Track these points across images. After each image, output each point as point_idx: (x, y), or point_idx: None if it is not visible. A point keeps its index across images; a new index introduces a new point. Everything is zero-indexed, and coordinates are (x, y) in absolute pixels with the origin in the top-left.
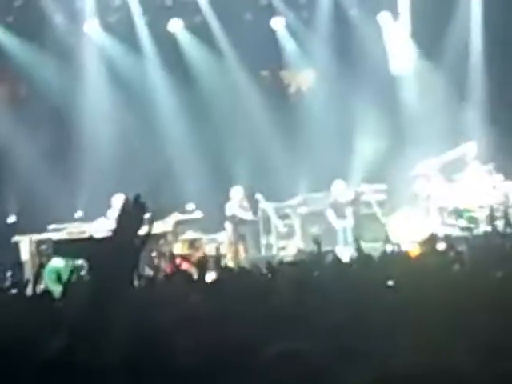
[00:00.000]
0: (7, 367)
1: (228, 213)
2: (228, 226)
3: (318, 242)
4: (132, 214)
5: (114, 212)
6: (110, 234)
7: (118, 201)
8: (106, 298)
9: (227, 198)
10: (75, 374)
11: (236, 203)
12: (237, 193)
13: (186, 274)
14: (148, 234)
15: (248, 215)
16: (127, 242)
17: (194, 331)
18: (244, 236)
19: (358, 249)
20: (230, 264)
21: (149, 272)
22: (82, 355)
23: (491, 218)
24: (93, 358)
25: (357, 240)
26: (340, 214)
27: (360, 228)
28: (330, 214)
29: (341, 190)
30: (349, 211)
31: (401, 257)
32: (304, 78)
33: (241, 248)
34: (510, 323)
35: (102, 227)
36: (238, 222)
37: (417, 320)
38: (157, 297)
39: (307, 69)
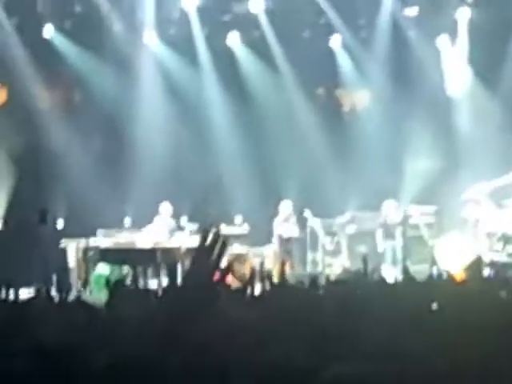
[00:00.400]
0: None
1: (275, 228)
2: (275, 240)
3: (365, 261)
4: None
5: (160, 219)
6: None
7: (165, 208)
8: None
9: (276, 212)
10: None
11: (284, 218)
12: (286, 207)
13: (231, 288)
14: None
15: (294, 232)
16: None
17: (241, 349)
18: (290, 252)
19: (405, 270)
20: (275, 279)
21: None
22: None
23: None
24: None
25: (404, 261)
26: (389, 234)
27: (406, 250)
28: (379, 234)
29: (391, 210)
30: (398, 231)
31: (445, 281)
32: (359, 97)
33: (286, 263)
34: None
35: (148, 237)
36: (284, 240)
37: (457, 345)
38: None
39: (363, 89)
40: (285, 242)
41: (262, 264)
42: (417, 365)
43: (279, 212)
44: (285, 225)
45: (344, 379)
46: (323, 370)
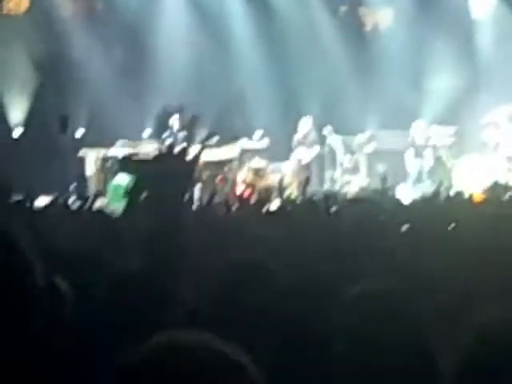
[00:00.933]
0: (80, 274)
1: (294, 146)
2: (293, 160)
3: (384, 180)
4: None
5: (170, 133)
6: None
7: (175, 121)
8: (166, 223)
9: (295, 128)
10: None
11: (303, 135)
12: (305, 124)
13: (250, 203)
14: (200, 152)
15: (312, 154)
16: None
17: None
18: (307, 173)
19: (436, 191)
20: (293, 195)
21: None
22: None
23: None
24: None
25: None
26: (418, 154)
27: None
28: (409, 153)
29: (420, 130)
30: (427, 152)
31: (464, 202)
32: (382, 16)
33: (304, 180)
34: None
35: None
36: (302, 164)
37: (474, 264)
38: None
39: (386, 7)
40: (302, 166)
41: (281, 180)
42: (436, 283)
43: (298, 129)
44: (303, 148)
45: (370, 295)
46: (348, 286)
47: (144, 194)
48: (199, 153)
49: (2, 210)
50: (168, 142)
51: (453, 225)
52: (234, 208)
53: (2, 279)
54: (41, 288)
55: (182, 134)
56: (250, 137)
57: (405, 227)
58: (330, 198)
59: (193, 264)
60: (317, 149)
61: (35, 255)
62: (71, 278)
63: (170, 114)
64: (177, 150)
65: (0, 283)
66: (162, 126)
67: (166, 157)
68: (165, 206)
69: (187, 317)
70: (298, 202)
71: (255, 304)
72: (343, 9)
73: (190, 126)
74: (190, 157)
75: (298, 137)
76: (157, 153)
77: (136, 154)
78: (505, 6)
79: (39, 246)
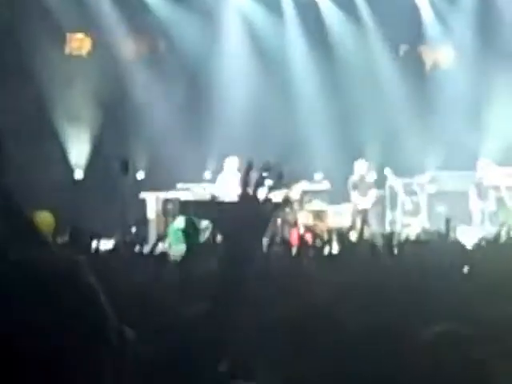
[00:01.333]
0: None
1: (349, 189)
2: (352, 198)
3: (448, 223)
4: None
5: (224, 176)
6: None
7: (229, 164)
8: (240, 262)
9: (352, 171)
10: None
11: (359, 178)
12: (361, 166)
13: (310, 246)
14: (283, 201)
15: (369, 201)
16: (255, 208)
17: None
18: (366, 217)
19: (498, 235)
20: (353, 238)
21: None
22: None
23: None
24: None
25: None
26: (482, 195)
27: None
28: (472, 193)
29: (485, 170)
30: (492, 193)
31: None
32: (443, 54)
33: (362, 223)
34: None
35: (229, 189)
36: (358, 210)
37: None
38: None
39: (447, 45)
40: (361, 209)
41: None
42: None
43: (354, 171)
44: (359, 190)
45: (445, 338)
46: (422, 330)
47: (205, 237)
48: (283, 201)
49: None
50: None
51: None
52: (294, 251)
53: (81, 330)
54: (112, 337)
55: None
56: (310, 179)
57: (465, 269)
58: (392, 239)
59: (256, 313)
60: (373, 192)
61: (107, 303)
62: (134, 325)
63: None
64: (261, 193)
65: (78, 335)
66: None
67: (250, 199)
68: (243, 252)
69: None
70: (358, 244)
71: (326, 355)
72: (404, 48)
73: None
74: (270, 201)
75: (354, 179)
76: (241, 194)
77: (197, 195)
78: None
79: (106, 292)
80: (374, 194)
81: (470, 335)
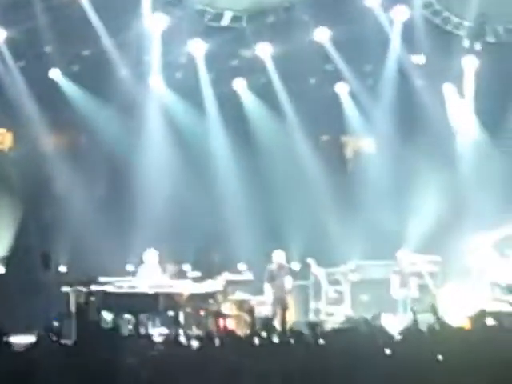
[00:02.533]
0: None
1: (266, 279)
2: (268, 290)
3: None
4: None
5: (145, 268)
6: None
7: (149, 256)
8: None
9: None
10: None
11: (277, 267)
12: (278, 256)
13: (235, 336)
14: None
15: (285, 288)
16: None
17: None
18: (285, 304)
19: (415, 321)
20: (277, 327)
21: (196, 331)
22: None
23: None
24: None
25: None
26: (403, 283)
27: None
28: (394, 282)
29: (406, 259)
30: (412, 281)
31: (450, 331)
32: (364, 144)
33: (287, 312)
34: None
35: (150, 282)
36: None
37: None
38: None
39: (368, 136)
40: (282, 298)
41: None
42: None
43: (273, 261)
44: (278, 280)
45: None
46: None
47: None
48: None
49: None
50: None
51: (440, 357)
52: (217, 341)
53: None
54: None
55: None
56: (233, 270)
57: (388, 351)
58: (317, 328)
59: None
60: (290, 281)
61: None
62: None
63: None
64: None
65: None
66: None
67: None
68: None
69: None
70: (282, 334)
71: None
72: (325, 138)
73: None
74: None
75: (272, 268)
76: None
77: (120, 289)
78: (485, 134)
79: None
80: (290, 283)
81: None
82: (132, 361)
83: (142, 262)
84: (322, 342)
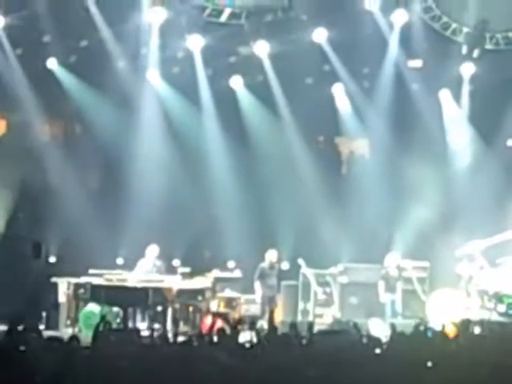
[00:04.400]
0: None
1: (257, 278)
2: (257, 286)
3: (356, 327)
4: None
5: (145, 261)
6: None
7: (151, 251)
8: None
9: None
10: None
11: (269, 265)
12: (271, 255)
13: (221, 334)
14: None
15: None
16: None
17: None
18: (274, 304)
19: (393, 328)
20: (265, 326)
21: (184, 327)
22: None
23: None
24: None
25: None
26: (390, 288)
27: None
28: (381, 286)
29: (393, 263)
30: (399, 285)
31: (437, 337)
32: (358, 146)
33: (275, 312)
34: None
35: (140, 276)
36: (267, 297)
37: None
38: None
39: (362, 137)
40: (271, 297)
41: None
42: None
43: (265, 259)
44: (271, 278)
45: None
46: None
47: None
48: None
49: None
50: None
51: (430, 363)
52: (206, 338)
53: None
54: None
55: (158, 263)
56: (222, 267)
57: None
58: (303, 330)
59: None
60: (274, 281)
61: None
62: None
63: None
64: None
65: None
66: None
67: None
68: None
69: None
70: (269, 333)
71: None
72: (320, 138)
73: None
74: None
75: (264, 266)
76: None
77: (109, 281)
78: (479, 140)
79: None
80: (274, 282)
81: None
82: (118, 354)
83: (137, 255)
84: (307, 342)
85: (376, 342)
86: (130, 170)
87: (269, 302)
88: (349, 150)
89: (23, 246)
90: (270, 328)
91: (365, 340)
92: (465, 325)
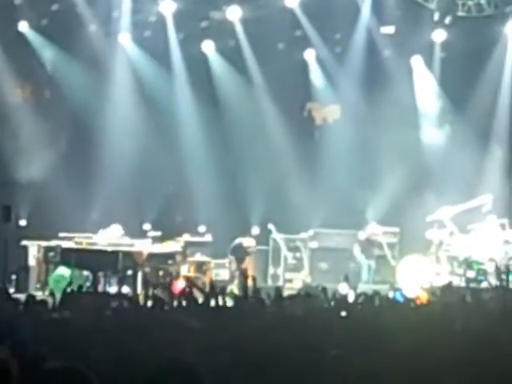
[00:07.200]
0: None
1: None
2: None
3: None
4: None
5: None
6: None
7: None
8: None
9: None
10: None
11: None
12: (247, 242)
13: (192, 298)
14: None
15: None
16: None
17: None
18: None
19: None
20: (236, 290)
21: (155, 291)
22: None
23: (498, 273)
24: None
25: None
26: (366, 253)
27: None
28: (357, 251)
29: (367, 229)
30: (375, 252)
31: (405, 303)
32: (330, 111)
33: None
34: None
35: (110, 238)
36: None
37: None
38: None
39: (334, 103)
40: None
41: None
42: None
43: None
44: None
45: None
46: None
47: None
48: None
49: None
50: None
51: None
52: (175, 302)
53: None
54: None
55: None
56: (193, 232)
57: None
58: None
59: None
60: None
61: None
62: None
63: None
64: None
65: None
66: None
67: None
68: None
69: None
70: (240, 298)
71: None
72: (292, 103)
73: None
74: None
75: (239, 246)
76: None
77: (79, 244)
78: (450, 107)
79: None
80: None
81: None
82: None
83: (114, 221)
84: (278, 307)
85: (343, 304)
86: (102, 133)
87: (239, 268)
88: (321, 116)
89: None
90: (242, 292)
91: (332, 303)
92: (435, 291)
